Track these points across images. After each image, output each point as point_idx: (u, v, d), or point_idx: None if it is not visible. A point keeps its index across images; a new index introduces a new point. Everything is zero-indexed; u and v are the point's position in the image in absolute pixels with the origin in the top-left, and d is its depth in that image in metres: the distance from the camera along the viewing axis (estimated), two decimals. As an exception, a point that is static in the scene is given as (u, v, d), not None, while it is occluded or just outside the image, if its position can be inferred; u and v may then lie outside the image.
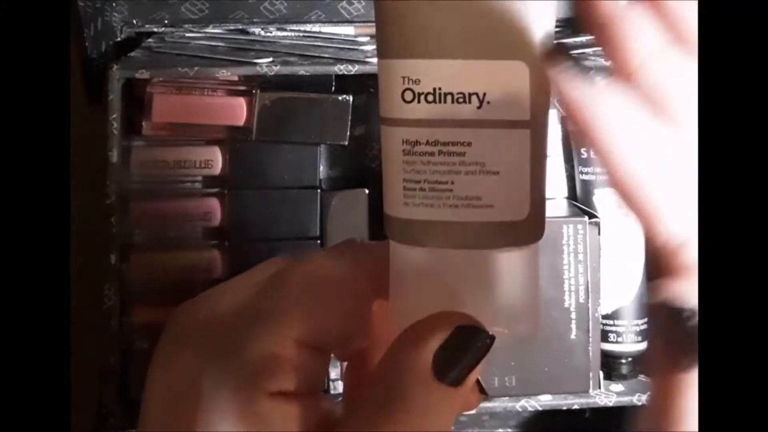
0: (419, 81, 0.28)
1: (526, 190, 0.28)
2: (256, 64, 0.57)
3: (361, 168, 0.65)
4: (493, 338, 0.27)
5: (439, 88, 0.27)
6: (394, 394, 0.27)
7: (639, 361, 0.63)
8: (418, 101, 0.28)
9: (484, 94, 0.27)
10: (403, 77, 0.28)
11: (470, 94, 0.27)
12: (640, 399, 0.59)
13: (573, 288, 0.59)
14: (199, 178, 0.60)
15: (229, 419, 0.27)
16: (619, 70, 0.27)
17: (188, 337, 0.29)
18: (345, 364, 0.33)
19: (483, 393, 0.29)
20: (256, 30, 0.65)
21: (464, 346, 0.27)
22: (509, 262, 0.28)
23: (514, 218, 0.28)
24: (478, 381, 0.28)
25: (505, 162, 0.28)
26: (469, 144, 0.27)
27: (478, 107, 0.27)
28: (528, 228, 0.28)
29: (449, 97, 0.27)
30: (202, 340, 0.28)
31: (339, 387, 0.57)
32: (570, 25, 0.67)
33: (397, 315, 0.29)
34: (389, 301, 0.30)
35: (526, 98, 0.28)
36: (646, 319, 0.63)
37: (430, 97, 0.27)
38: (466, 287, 0.28)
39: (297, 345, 0.28)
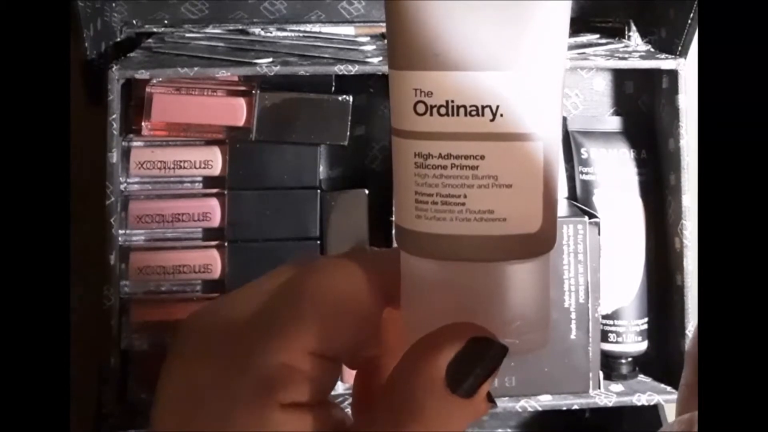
0: (431, 93, 0.27)
1: (539, 203, 0.28)
2: (256, 64, 0.57)
3: (361, 168, 0.65)
4: (506, 350, 0.27)
5: (452, 101, 0.27)
6: (406, 405, 0.27)
7: (639, 361, 0.63)
8: (431, 114, 0.27)
9: (497, 107, 0.27)
10: (415, 89, 0.28)
11: (483, 107, 0.27)
12: (639, 399, 0.59)
13: (573, 288, 0.59)
14: (199, 179, 0.60)
15: (241, 429, 0.27)
16: None
17: (202, 343, 0.28)
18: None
19: (491, 402, 0.28)
20: (256, 30, 0.65)
21: (477, 358, 0.27)
22: (521, 274, 0.28)
23: (526, 231, 0.28)
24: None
25: (519, 175, 0.28)
26: (482, 157, 0.27)
27: (491, 120, 0.27)
28: (540, 239, 0.28)
29: (462, 110, 0.27)
30: (215, 348, 0.28)
31: (338, 388, 0.57)
32: (570, 25, 0.67)
33: (408, 326, 0.29)
34: (401, 312, 0.30)
35: (538, 110, 0.27)
36: (646, 319, 0.63)
37: (443, 110, 0.27)
38: (478, 299, 0.28)
39: (309, 356, 0.28)
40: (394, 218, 0.30)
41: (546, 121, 0.28)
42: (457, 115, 0.27)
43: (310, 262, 0.30)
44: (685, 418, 0.30)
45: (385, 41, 0.66)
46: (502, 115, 0.27)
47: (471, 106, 0.27)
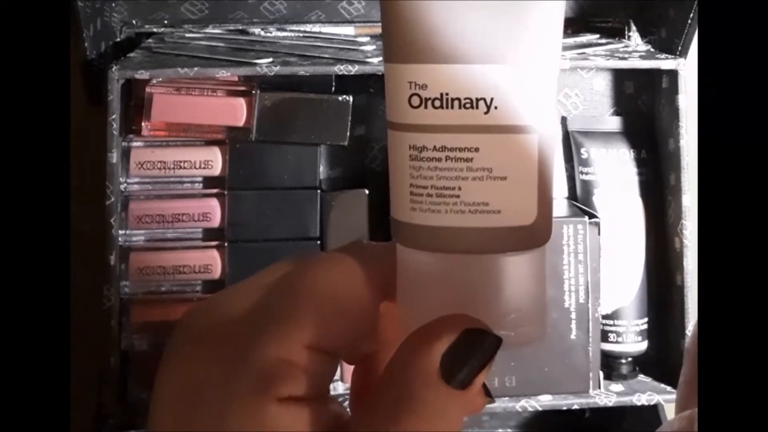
0: (426, 86, 0.27)
1: (533, 195, 0.28)
2: (256, 64, 0.57)
3: (361, 168, 0.65)
4: (500, 341, 0.27)
5: (446, 94, 0.27)
6: (402, 397, 0.27)
7: (639, 361, 0.63)
8: (425, 107, 0.28)
9: (492, 100, 0.27)
10: (410, 82, 0.28)
11: (477, 100, 0.27)
12: (639, 399, 0.59)
13: (573, 288, 0.59)
14: (199, 179, 0.60)
15: (239, 424, 0.27)
16: None
17: (198, 340, 0.28)
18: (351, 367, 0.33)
19: (488, 396, 0.29)
20: (256, 30, 0.65)
21: (472, 349, 0.27)
22: (516, 266, 0.28)
23: (521, 223, 0.28)
24: (483, 384, 0.29)
25: (513, 167, 0.28)
26: (477, 150, 0.27)
27: (486, 112, 0.27)
28: (535, 232, 0.28)
29: (456, 103, 0.27)
30: (212, 345, 0.28)
31: (339, 388, 0.57)
32: (570, 25, 0.67)
33: (404, 318, 0.29)
34: (397, 305, 0.30)
35: (533, 103, 0.28)
36: (646, 319, 0.63)
37: (437, 103, 0.27)
38: (473, 291, 0.28)
39: (307, 350, 0.28)
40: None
41: (540, 113, 0.28)
42: (452, 107, 0.27)
43: (307, 257, 0.30)
44: (685, 415, 0.30)
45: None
46: (496, 108, 0.27)
47: (465, 99, 0.27)
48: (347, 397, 0.33)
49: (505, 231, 0.28)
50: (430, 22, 0.27)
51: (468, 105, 0.27)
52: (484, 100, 0.27)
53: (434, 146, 0.28)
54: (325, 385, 0.29)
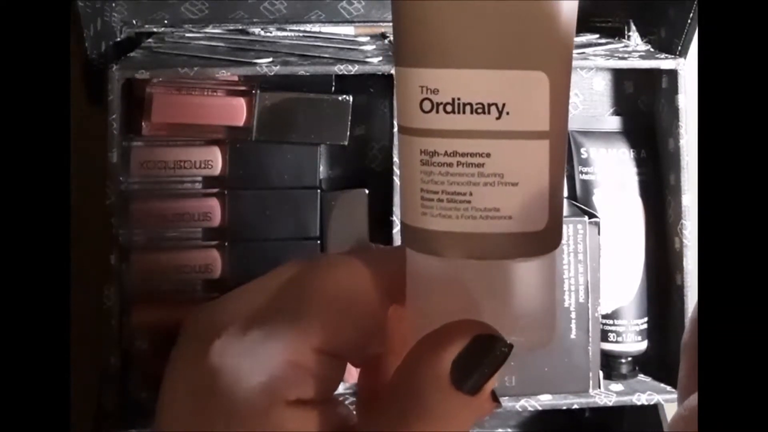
0: (438, 91, 0.27)
1: (545, 201, 0.28)
2: (256, 64, 0.57)
3: (361, 168, 0.65)
4: (511, 347, 0.27)
5: (458, 99, 0.27)
6: (411, 402, 0.27)
7: (639, 361, 0.63)
8: (437, 111, 0.27)
9: (504, 105, 0.27)
10: (422, 86, 0.28)
11: (489, 105, 0.27)
12: (639, 399, 0.59)
13: (573, 288, 0.59)
14: (199, 178, 0.60)
15: (247, 427, 0.27)
16: None
17: (206, 342, 0.29)
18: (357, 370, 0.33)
19: (496, 401, 0.29)
20: (256, 30, 0.65)
21: (482, 355, 0.27)
22: (527, 272, 0.28)
23: (532, 229, 0.28)
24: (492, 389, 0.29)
25: (524, 173, 0.28)
26: (488, 155, 0.27)
27: (497, 118, 0.27)
28: (546, 238, 0.28)
29: (468, 108, 0.27)
30: (219, 347, 0.28)
31: (339, 388, 0.57)
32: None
33: (414, 323, 0.29)
34: (406, 309, 0.30)
35: (545, 109, 0.27)
36: (646, 319, 0.63)
37: (449, 108, 0.27)
38: (483, 296, 0.28)
39: (315, 352, 0.28)
40: (399, 215, 0.30)
41: (552, 119, 0.28)
42: (463, 112, 0.27)
43: (314, 260, 0.30)
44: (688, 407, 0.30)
45: (385, 41, 0.66)
46: (508, 113, 0.27)
47: (477, 104, 0.27)
48: (347, 397, 0.33)
49: (515, 237, 0.28)
50: (442, 26, 0.27)
51: (480, 110, 0.27)
52: (496, 105, 0.27)
53: (445, 151, 0.28)
54: (333, 388, 0.29)
